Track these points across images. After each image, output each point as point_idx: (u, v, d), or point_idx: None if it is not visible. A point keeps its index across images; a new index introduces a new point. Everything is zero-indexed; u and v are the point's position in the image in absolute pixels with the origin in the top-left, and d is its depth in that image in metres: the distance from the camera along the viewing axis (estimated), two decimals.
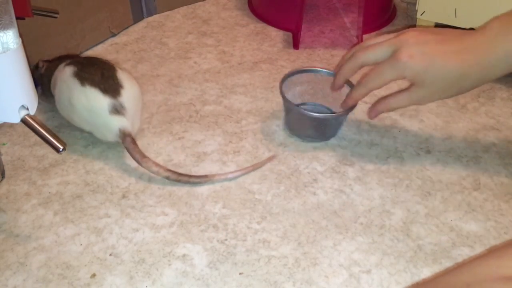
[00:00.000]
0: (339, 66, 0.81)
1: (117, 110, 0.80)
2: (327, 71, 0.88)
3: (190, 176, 0.79)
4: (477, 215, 0.75)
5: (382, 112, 0.81)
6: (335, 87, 0.83)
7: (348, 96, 0.81)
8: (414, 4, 1.06)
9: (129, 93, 0.83)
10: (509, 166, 0.83)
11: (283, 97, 0.85)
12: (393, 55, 0.72)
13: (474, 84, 0.72)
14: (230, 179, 0.80)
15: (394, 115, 0.94)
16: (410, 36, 0.71)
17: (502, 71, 0.70)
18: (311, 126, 0.86)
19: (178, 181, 0.79)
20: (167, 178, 0.79)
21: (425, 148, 0.87)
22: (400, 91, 0.76)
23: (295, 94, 0.90)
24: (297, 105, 0.87)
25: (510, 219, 0.74)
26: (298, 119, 0.86)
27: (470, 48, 0.69)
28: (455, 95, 0.75)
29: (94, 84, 0.81)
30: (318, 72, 0.89)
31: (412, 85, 0.74)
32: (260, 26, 1.21)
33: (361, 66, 0.77)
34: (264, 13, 1.24)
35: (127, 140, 0.80)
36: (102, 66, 0.84)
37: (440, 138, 0.89)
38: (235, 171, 0.81)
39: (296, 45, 1.13)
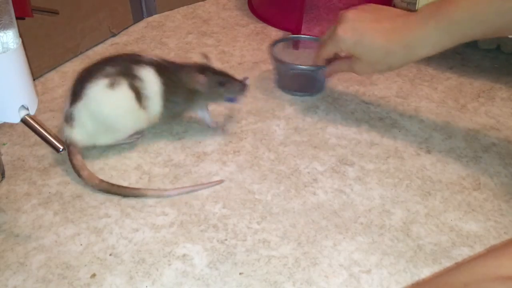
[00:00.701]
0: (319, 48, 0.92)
1: (67, 118, 0.80)
2: (309, 36, 1.04)
3: (120, 187, 0.78)
4: (477, 215, 0.75)
5: (334, 72, 0.94)
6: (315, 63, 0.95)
7: (312, 61, 0.95)
8: (414, 4, 1.06)
9: (88, 105, 0.79)
10: (509, 166, 0.83)
11: (275, 58, 0.97)
12: (334, 30, 0.83)
13: (400, 61, 0.79)
14: (165, 197, 0.77)
15: (394, 115, 0.94)
16: (350, 13, 0.81)
17: (424, 52, 0.76)
18: (303, 80, 0.99)
19: (112, 192, 0.77)
20: (105, 190, 0.78)
21: (425, 148, 0.87)
22: (347, 58, 0.86)
23: (281, 57, 1.00)
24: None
25: (510, 219, 0.74)
26: (291, 75, 0.98)
27: (398, 28, 0.76)
28: (387, 70, 0.84)
29: (72, 84, 0.82)
30: (301, 38, 1.05)
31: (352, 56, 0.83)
32: (260, 26, 1.21)
33: (325, 51, 0.89)
34: (264, 13, 1.24)
35: (68, 150, 0.80)
36: (95, 68, 0.81)
37: (440, 138, 0.89)
38: (173, 189, 0.78)
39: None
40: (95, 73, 0.80)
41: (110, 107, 0.80)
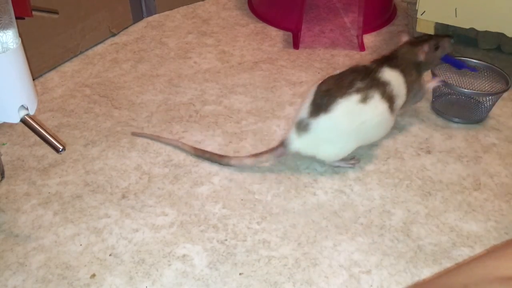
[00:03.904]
0: None
1: (300, 126, 0.79)
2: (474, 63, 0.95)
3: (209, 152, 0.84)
4: (478, 215, 0.75)
5: None
6: None
7: None
8: (415, 3, 1.05)
9: (333, 120, 0.79)
10: (509, 166, 0.83)
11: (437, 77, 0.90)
12: None
13: None
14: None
15: None
16: None
17: None
18: (468, 106, 0.92)
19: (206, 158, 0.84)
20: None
21: (425, 148, 0.87)
22: None
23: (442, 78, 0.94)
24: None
25: (511, 219, 0.74)
26: (453, 100, 0.92)
27: None
28: None
29: (314, 96, 0.82)
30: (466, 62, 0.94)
31: None
32: (260, 26, 1.21)
33: None
34: (264, 13, 1.23)
35: (277, 148, 0.82)
36: (342, 82, 0.80)
37: (440, 138, 0.89)
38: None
39: (296, 45, 1.12)
40: (344, 87, 0.78)
41: (359, 122, 0.78)
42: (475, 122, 0.91)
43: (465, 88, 0.92)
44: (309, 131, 0.78)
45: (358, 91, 0.77)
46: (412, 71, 0.85)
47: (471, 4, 0.97)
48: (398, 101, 0.83)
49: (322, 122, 0.77)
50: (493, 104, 0.91)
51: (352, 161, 0.83)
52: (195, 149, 0.84)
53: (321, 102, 0.78)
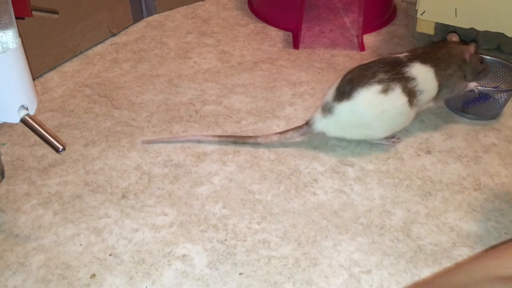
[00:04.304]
0: None
1: (325, 108, 0.84)
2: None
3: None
4: (478, 215, 0.75)
5: None
6: None
7: None
8: (415, 3, 1.05)
9: (354, 107, 0.82)
10: (509, 166, 0.83)
11: None
12: None
13: None
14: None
15: None
16: None
17: None
18: (482, 103, 0.92)
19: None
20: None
21: (425, 148, 0.87)
22: None
23: None
24: None
25: (511, 219, 0.74)
26: (466, 95, 0.92)
27: None
28: None
29: (341, 82, 0.86)
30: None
31: None
32: (260, 26, 1.21)
33: None
34: (264, 13, 1.23)
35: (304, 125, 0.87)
36: (367, 71, 0.83)
37: (440, 138, 0.89)
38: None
39: (296, 45, 1.12)
40: (367, 77, 0.82)
41: (379, 111, 0.82)
42: (489, 119, 0.92)
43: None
44: (332, 114, 0.83)
45: (379, 82, 0.81)
46: (452, 65, 0.87)
47: (471, 4, 0.97)
48: (423, 96, 0.84)
49: (344, 108, 0.82)
50: (507, 101, 0.92)
51: (393, 139, 0.87)
52: (219, 136, 0.87)
53: (345, 90, 0.82)
